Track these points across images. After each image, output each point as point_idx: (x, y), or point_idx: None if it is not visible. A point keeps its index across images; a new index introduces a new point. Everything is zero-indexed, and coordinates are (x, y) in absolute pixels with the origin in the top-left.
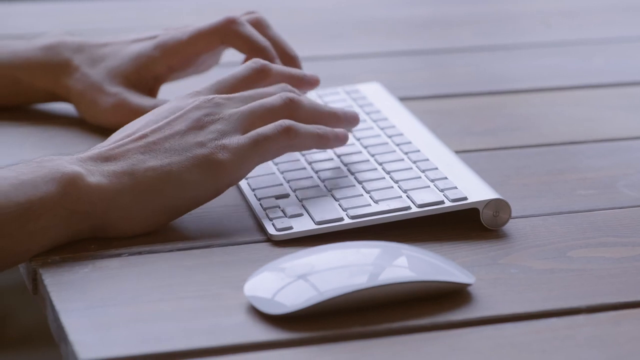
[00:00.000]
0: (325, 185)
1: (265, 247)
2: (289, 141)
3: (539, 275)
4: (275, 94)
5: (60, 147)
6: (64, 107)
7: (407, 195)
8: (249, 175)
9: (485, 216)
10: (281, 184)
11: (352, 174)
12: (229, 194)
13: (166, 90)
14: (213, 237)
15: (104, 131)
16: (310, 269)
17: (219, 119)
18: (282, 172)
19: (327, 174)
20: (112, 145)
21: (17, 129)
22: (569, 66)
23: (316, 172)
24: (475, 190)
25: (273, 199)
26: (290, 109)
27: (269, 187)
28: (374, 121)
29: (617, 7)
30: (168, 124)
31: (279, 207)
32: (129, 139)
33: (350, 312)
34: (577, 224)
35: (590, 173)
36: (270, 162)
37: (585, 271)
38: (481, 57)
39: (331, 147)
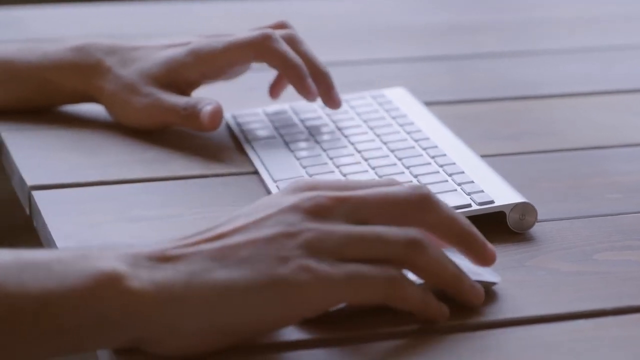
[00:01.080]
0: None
1: None
2: (387, 292)
3: (566, 277)
4: (398, 199)
5: (92, 149)
6: (93, 108)
7: None
8: (277, 176)
9: (511, 219)
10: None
11: (380, 177)
12: (253, 186)
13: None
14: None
15: (135, 133)
16: None
17: (314, 230)
18: (310, 175)
19: (355, 178)
20: (183, 243)
21: (47, 131)
22: (592, 72)
23: (344, 175)
24: (501, 193)
25: None
26: (410, 253)
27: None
28: (400, 125)
29: (638, 14)
30: (256, 223)
31: None
32: (205, 235)
33: (379, 311)
34: (602, 228)
35: (617, 177)
36: (293, 159)
37: (611, 274)
38: (503, 62)
39: (429, 320)
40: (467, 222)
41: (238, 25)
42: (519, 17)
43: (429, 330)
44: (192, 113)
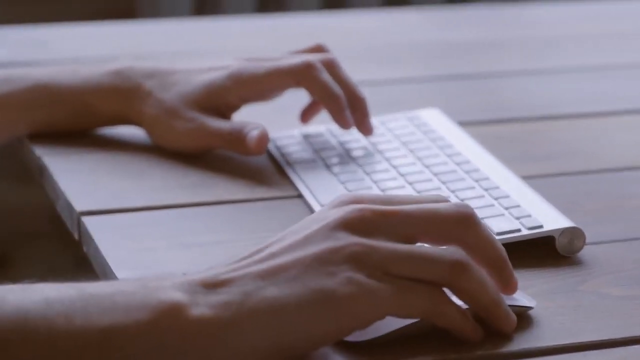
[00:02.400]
0: None
1: None
2: (429, 307)
3: (618, 302)
4: (442, 216)
5: (135, 173)
6: (130, 131)
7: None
8: (322, 199)
9: (560, 244)
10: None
11: None
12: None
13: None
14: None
15: (175, 156)
16: None
17: (360, 245)
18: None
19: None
20: (233, 266)
21: (88, 155)
22: (618, 90)
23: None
24: (549, 217)
25: None
26: (454, 274)
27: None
28: (440, 148)
29: None
30: (303, 241)
31: None
32: (255, 257)
33: (415, 340)
34: None
35: None
36: (337, 182)
37: None
38: (528, 80)
39: (465, 340)
40: (502, 248)
41: (258, 42)
42: (539, 34)
43: (485, 357)
44: (237, 138)
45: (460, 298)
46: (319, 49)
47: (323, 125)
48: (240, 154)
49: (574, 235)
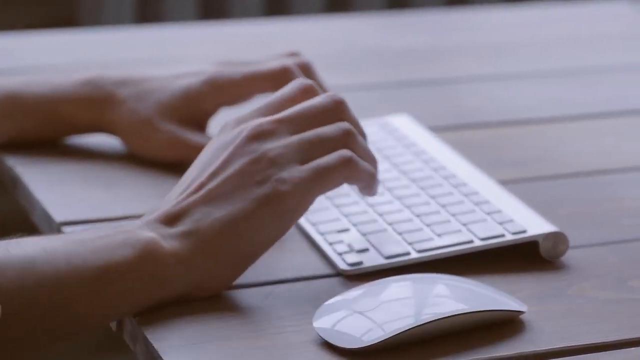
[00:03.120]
0: (383, 219)
1: (337, 281)
2: (348, 173)
3: (606, 305)
4: (324, 107)
5: (111, 182)
6: (101, 139)
7: (467, 229)
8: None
9: (544, 248)
10: (338, 219)
11: (407, 207)
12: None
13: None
14: (279, 271)
15: (150, 164)
16: (377, 303)
17: (274, 149)
18: (337, 206)
19: (383, 208)
20: (175, 202)
21: (61, 164)
22: (575, 95)
23: (370, 205)
24: (531, 222)
25: (335, 232)
26: (346, 141)
27: (329, 221)
28: (415, 154)
29: (607, 35)
30: (222, 166)
31: (344, 242)
32: (189, 191)
33: (414, 346)
34: (630, 254)
35: (628, 202)
36: (322, 196)
37: None
38: (486, 86)
39: (374, 192)
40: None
41: (201, 49)
42: (492, 39)
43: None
44: None
45: (359, 156)
46: (293, 54)
47: None
48: None
49: (557, 239)
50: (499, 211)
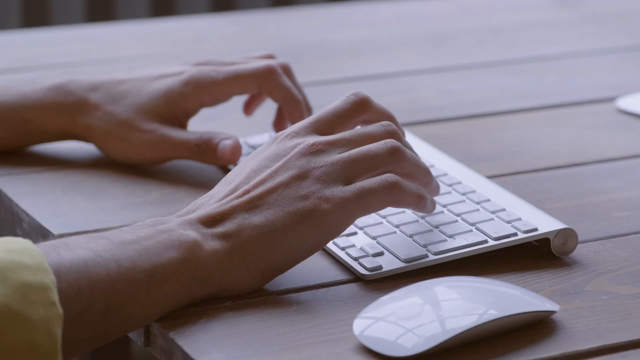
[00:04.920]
0: (388, 221)
1: (358, 287)
2: (393, 198)
3: (631, 300)
4: (377, 135)
5: (95, 192)
6: (73, 146)
7: (476, 229)
8: None
9: (555, 245)
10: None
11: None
12: None
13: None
14: (299, 278)
15: (128, 170)
16: (418, 310)
17: (321, 167)
18: None
19: (385, 210)
20: (218, 204)
21: (40, 174)
22: (524, 86)
23: None
24: (539, 220)
25: (345, 237)
26: (394, 159)
27: None
28: None
29: (542, 23)
30: (271, 175)
31: (356, 246)
32: (234, 195)
33: (456, 351)
34: (635, 247)
35: (613, 194)
36: None
37: None
38: (432, 79)
39: (425, 211)
40: (423, 162)
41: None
42: (428, 30)
43: None
44: (207, 148)
45: (404, 174)
46: (269, 56)
47: (267, 133)
48: (207, 163)
49: (567, 236)
50: (503, 209)
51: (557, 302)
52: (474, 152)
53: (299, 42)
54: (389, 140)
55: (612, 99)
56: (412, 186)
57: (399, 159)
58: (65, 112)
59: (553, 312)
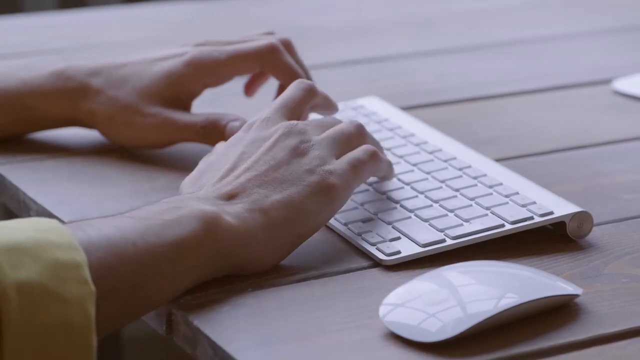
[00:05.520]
0: (402, 206)
1: (378, 272)
2: (377, 165)
3: None
4: (334, 122)
5: (99, 179)
6: (76, 133)
7: (492, 213)
8: None
9: (570, 228)
10: (357, 207)
11: (421, 193)
12: None
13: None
14: (316, 266)
15: (137, 157)
16: (445, 295)
17: (312, 146)
18: None
19: (397, 195)
20: (225, 182)
21: (43, 162)
22: (518, 68)
23: (382, 193)
24: (553, 203)
25: (360, 223)
26: (361, 135)
27: (348, 211)
28: (403, 137)
29: (529, 5)
30: (266, 154)
31: (372, 232)
32: (235, 174)
33: (488, 335)
34: None
35: (620, 176)
36: None
37: None
38: (425, 63)
39: (391, 178)
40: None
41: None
42: (416, 13)
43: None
44: (214, 130)
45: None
46: (269, 33)
47: None
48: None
49: (583, 219)
50: (516, 193)
51: (578, 285)
52: (474, 136)
53: (287, 26)
54: (352, 120)
55: (607, 81)
56: (384, 156)
57: (365, 135)
58: (67, 97)
59: (577, 295)
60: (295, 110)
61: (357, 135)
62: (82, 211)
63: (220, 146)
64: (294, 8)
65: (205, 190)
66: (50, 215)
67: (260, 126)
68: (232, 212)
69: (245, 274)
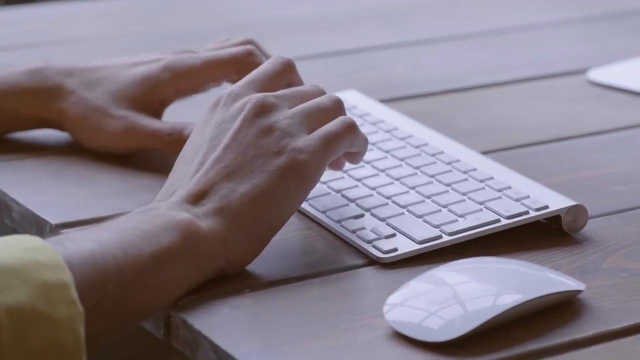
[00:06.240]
0: (394, 202)
1: (376, 270)
2: (352, 138)
3: None
4: (312, 93)
5: (81, 179)
6: (53, 133)
7: (486, 208)
8: (309, 197)
9: (565, 222)
10: (347, 204)
11: (411, 188)
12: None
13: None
14: (312, 264)
15: (116, 156)
16: (449, 294)
17: (282, 120)
18: (338, 191)
19: (387, 190)
20: (194, 180)
21: (22, 162)
22: (492, 59)
23: (372, 188)
24: (547, 197)
25: (353, 219)
26: (340, 110)
27: (338, 207)
28: (387, 132)
29: None
30: (234, 137)
31: (366, 228)
32: (205, 167)
33: (498, 332)
34: None
35: (607, 168)
36: (320, 181)
37: None
38: (400, 54)
39: (363, 155)
40: None
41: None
42: (382, 3)
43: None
44: (179, 138)
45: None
46: (247, 42)
47: None
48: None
49: (578, 212)
50: (509, 187)
51: (579, 280)
52: (457, 128)
53: (256, 20)
54: (332, 95)
55: (582, 71)
56: (362, 133)
57: (342, 109)
58: (40, 97)
59: (580, 291)
60: (267, 85)
61: (335, 111)
62: (67, 212)
63: (193, 133)
64: (259, 1)
65: (177, 193)
66: (34, 217)
67: (226, 103)
68: (203, 215)
69: (232, 273)
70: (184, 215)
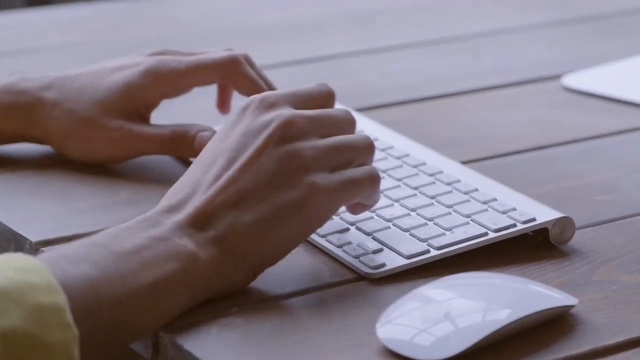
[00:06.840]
0: (379, 215)
1: (364, 286)
2: (373, 191)
3: None
4: (344, 120)
5: (58, 194)
6: (26, 147)
7: (472, 220)
8: None
9: (553, 234)
10: (332, 218)
11: (395, 201)
12: None
13: None
14: (299, 281)
15: (94, 169)
16: (443, 311)
17: (306, 150)
18: None
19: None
20: (204, 197)
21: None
22: (463, 65)
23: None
24: (533, 209)
25: (338, 234)
26: (370, 153)
27: None
28: None
29: (460, 1)
30: (253, 157)
31: (352, 243)
32: (219, 184)
33: (488, 349)
34: (628, 232)
35: (589, 177)
36: None
37: None
38: (368, 61)
39: (370, 208)
40: None
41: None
42: (348, 10)
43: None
44: (182, 141)
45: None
46: (229, 50)
47: None
48: (182, 157)
49: (565, 224)
50: (494, 199)
51: (569, 294)
52: (433, 137)
53: (221, 27)
54: (366, 135)
55: (555, 77)
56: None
57: (372, 155)
58: (19, 113)
59: (573, 306)
60: (304, 105)
61: (365, 155)
62: (49, 229)
63: (216, 135)
64: (222, 7)
65: (186, 209)
66: (13, 234)
67: (257, 110)
68: (205, 244)
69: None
70: (187, 244)
